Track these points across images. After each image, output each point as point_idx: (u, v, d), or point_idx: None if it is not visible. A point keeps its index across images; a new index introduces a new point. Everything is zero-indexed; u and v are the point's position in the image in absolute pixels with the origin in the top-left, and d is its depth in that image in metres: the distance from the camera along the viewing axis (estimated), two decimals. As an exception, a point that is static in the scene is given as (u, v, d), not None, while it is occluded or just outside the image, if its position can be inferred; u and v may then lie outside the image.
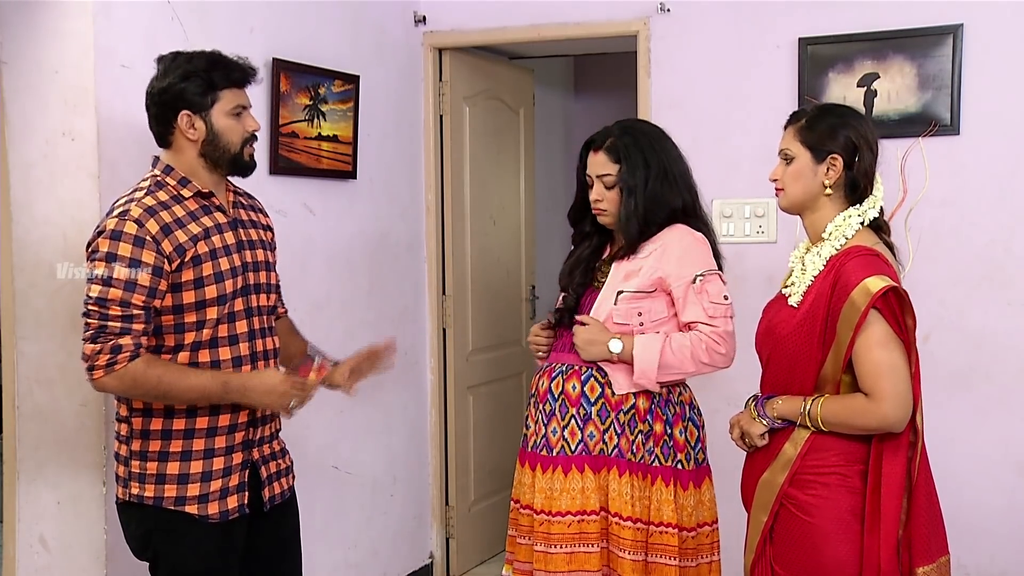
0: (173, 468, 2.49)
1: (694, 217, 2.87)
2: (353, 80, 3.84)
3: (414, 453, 4.38)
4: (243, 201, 2.70)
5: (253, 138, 2.58)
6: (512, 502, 2.97)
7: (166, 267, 2.42)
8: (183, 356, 2.48)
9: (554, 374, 2.87)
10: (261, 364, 2.60)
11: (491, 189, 4.74)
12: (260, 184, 3.47)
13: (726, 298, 2.79)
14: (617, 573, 2.77)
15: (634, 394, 2.79)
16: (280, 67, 3.50)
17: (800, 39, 3.78)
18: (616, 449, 2.78)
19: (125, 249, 2.39)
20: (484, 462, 4.68)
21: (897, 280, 2.32)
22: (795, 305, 2.41)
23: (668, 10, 3.97)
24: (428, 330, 4.44)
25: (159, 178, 2.52)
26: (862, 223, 2.40)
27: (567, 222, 3.05)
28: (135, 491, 2.51)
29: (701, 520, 2.84)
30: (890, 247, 2.45)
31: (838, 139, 2.39)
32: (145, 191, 2.49)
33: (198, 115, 2.49)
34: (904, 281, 2.48)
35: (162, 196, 2.48)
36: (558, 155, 5.65)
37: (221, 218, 2.56)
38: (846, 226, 2.39)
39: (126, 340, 2.38)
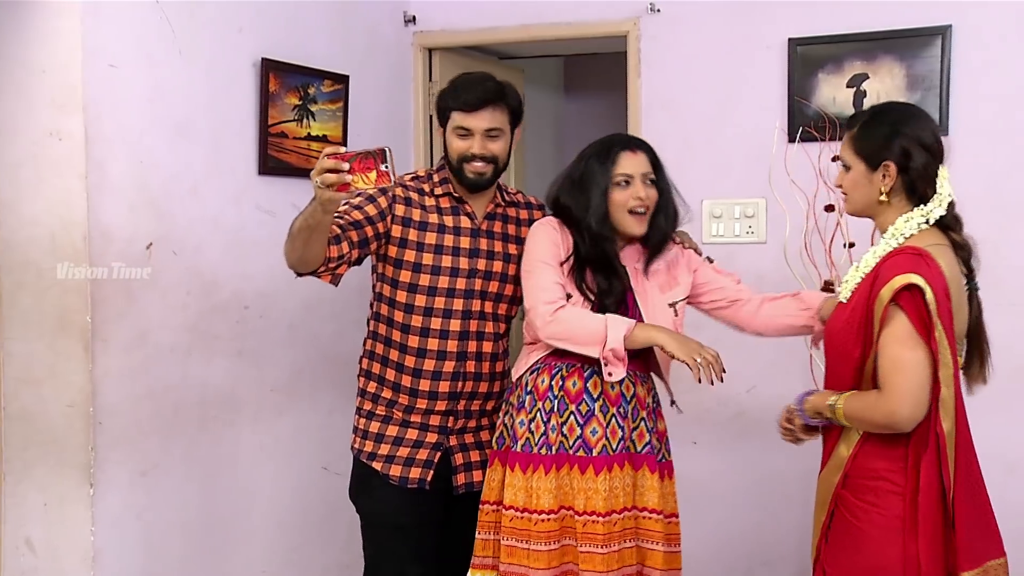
0: (374, 427, 2.90)
1: None
2: (343, 80, 3.83)
3: (404, 454, 4.36)
4: (510, 214, 2.96)
5: (473, 158, 2.81)
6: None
7: (385, 218, 2.77)
8: (396, 335, 2.85)
9: (553, 372, 2.86)
10: (471, 363, 2.86)
11: (481, 189, 4.72)
12: (248, 184, 3.47)
13: None
14: (642, 566, 2.82)
15: (632, 383, 2.81)
16: (269, 67, 3.48)
17: (790, 39, 3.78)
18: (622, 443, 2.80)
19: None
20: (474, 463, 4.66)
21: (937, 280, 2.27)
22: (844, 300, 2.41)
23: (658, 10, 3.97)
24: (418, 331, 4.42)
25: (431, 171, 2.93)
26: (927, 222, 2.37)
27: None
28: (351, 443, 2.94)
29: (671, 511, 2.88)
30: (960, 244, 2.42)
31: (889, 145, 2.35)
32: (413, 175, 2.91)
33: (443, 128, 2.87)
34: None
35: (424, 187, 2.88)
36: (548, 155, 5.63)
37: (464, 223, 2.86)
38: (906, 227, 2.36)
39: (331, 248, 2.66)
